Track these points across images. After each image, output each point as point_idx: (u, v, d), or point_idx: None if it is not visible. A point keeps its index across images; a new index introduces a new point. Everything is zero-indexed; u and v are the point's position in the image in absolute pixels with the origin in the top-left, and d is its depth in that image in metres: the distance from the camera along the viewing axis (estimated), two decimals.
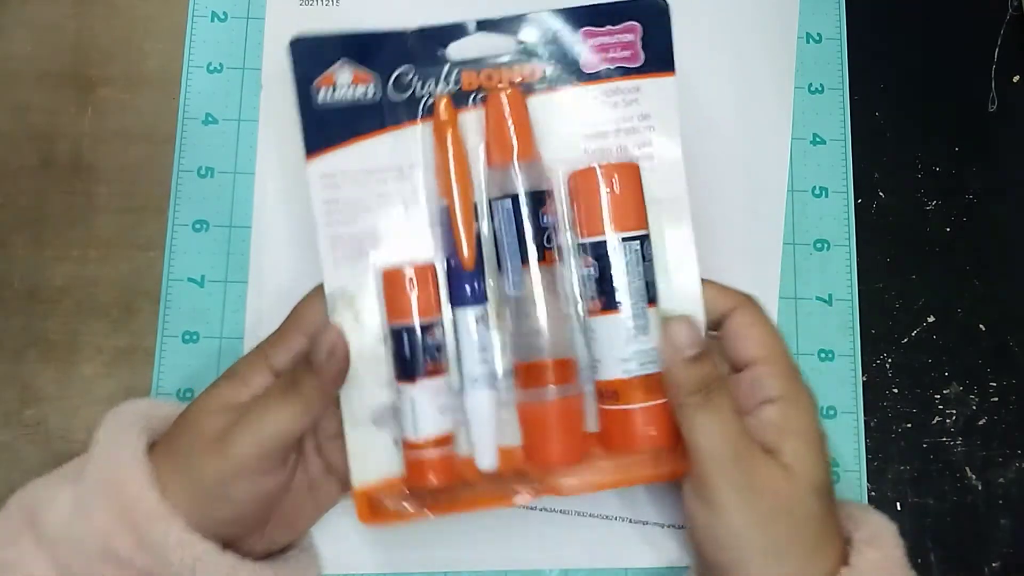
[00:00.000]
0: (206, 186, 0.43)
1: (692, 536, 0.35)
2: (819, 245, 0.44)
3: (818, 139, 0.45)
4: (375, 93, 0.35)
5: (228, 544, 0.34)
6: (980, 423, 0.44)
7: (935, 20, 0.47)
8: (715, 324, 0.36)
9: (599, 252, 0.34)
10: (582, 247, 0.35)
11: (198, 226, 0.43)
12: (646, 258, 0.34)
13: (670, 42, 0.35)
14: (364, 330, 0.35)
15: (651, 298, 0.35)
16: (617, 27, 0.35)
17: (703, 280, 0.36)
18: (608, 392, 0.35)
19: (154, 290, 0.42)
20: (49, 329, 0.42)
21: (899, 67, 0.47)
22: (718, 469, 0.33)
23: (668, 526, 0.41)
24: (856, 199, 0.45)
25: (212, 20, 0.45)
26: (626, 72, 0.35)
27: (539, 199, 0.34)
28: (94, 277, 0.42)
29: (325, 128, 0.34)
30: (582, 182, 0.35)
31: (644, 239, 0.35)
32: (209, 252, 0.42)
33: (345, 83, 0.34)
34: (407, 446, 0.34)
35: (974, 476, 0.43)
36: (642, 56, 0.35)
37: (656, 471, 0.35)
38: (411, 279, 0.34)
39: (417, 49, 0.35)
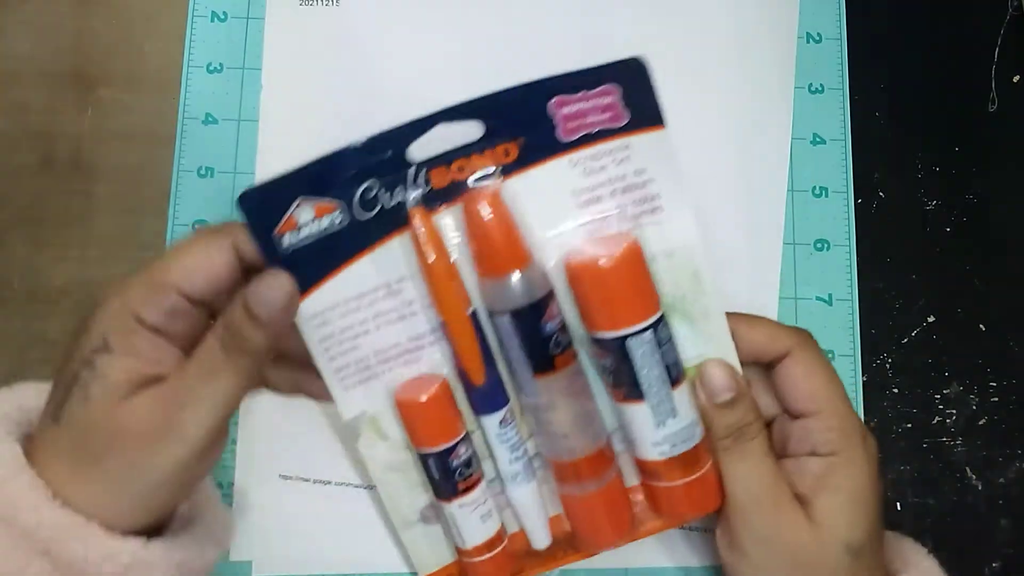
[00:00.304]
0: (206, 186, 0.43)
1: (724, 568, 0.36)
2: (819, 245, 0.44)
3: (818, 139, 0.45)
4: (343, 219, 0.31)
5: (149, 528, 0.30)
6: (980, 423, 0.44)
7: (935, 20, 0.47)
8: (769, 364, 0.35)
9: (611, 347, 0.32)
10: (594, 340, 0.33)
11: (198, 226, 0.42)
12: (662, 343, 0.33)
13: (655, 97, 0.33)
14: (392, 443, 0.35)
15: (674, 379, 0.33)
16: (593, 91, 0.32)
17: (757, 319, 0.35)
18: (648, 470, 0.34)
19: None
20: (49, 329, 0.42)
21: (899, 67, 0.47)
22: (739, 513, 0.33)
23: None
24: (856, 199, 0.45)
25: (212, 20, 0.45)
26: (610, 133, 0.33)
27: (540, 309, 0.32)
28: (94, 277, 0.42)
29: (300, 271, 0.31)
30: (583, 277, 0.32)
31: (657, 323, 0.33)
32: None
33: (308, 220, 0.31)
34: (459, 552, 0.35)
35: (974, 476, 0.43)
36: (626, 115, 0.33)
37: (698, 512, 0.35)
38: (427, 406, 0.33)
39: (374, 160, 0.31)
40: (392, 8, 0.45)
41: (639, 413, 0.33)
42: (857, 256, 0.44)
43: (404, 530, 0.36)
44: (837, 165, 0.45)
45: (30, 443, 0.30)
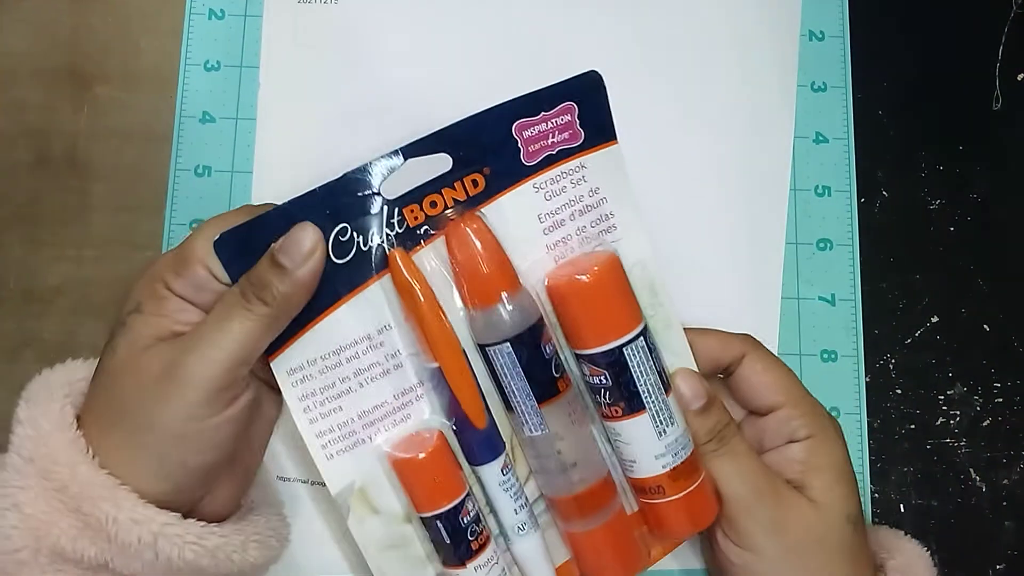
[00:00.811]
0: (203, 185, 0.43)
1: (724, 572, 0.36)
2: (822, 245, 0.44)
3: (821, 138, 0.45)
4: None
5: (187, 513, 0.30)
6: (984, 424, 0.43)
7: (939, 18, 0.47)
8: (724, 371, 0.37)
9: (607, 360, 0.32)
10: (585, 357, 0.33)
11: (195, 225, 0.42)
12: (652, 349, 0.33)
13: (608, 112, 0.34)
14: (386, 517, 0.32)
15: (666, 385, 0.34)
16: (552, 111, 0.33)
17: (705, 330, 0.36)
18: (651, 488, 0.34)
19: None
20: (44, 329, 0.41)
21: (902, 65, 0.46)
22: (744, 509, 0.34)
23: None
24: (859, 198, 0.45)
25: (209, 17, 0.44)
26: (568, 153, 0.33)
27: (537, 333, 0.32)
28: (90, 277, 0.42)
29: None
30: (569, 293, 0.32)
31: (644, 330, 0.33)
32: None
33: None
34: None
35: (978, 477, 0.43)
36: (582, 134, 0.33)
37: (700, 526, 0.35)
38: (427, 464, 0.31)
39: (345, 203, 0.31)
40: (390, 6, 0.45)
41: (641, 426, 0.33)
42: (860, 256, 0.44)
43: None
44: (840, 164, 0.45)
45: (81, 409, 0.31)
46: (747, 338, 0.37)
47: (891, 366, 0.44)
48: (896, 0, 0.47)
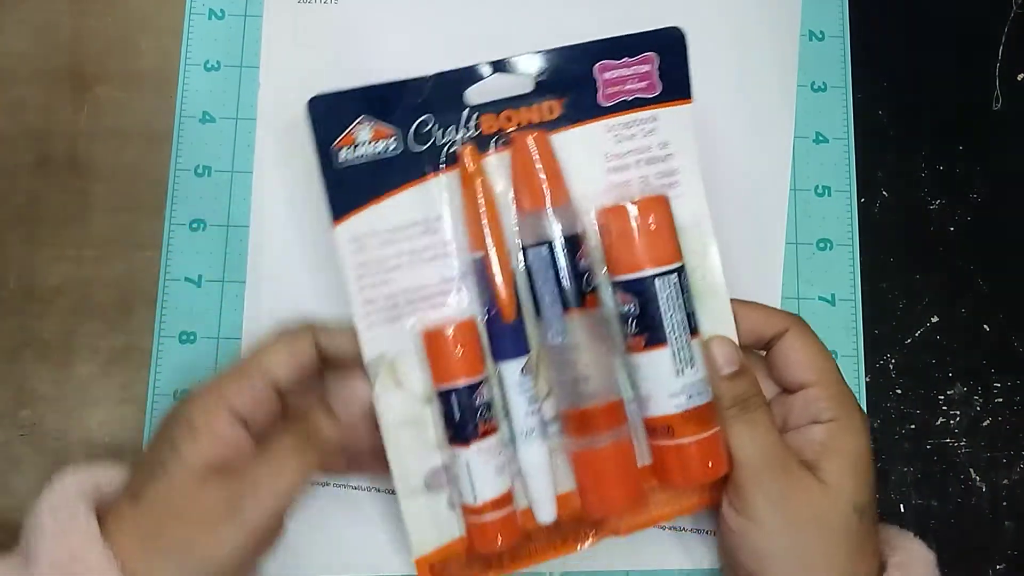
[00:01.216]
0: (203, 185, 0.43)
1: (727, 544, 0.36)
2: (822, 245, 0.44)
3: (821, 138, 0.45)
4: (396, 147, 0.34)
5: None
6: (984, 424, 0.44)
7: (939, 18, 0.47)
8: (764, 345, 0.37)
9: (638, 288, 0.34)
10: (619, 284, 0.34)
11: (195, 225, 0.42)
12: (684, 289, 0.34)
13: (687, 70, 0.36)
14: (407, 394, 0.34)
15: (693, 329, 0.34)
16: (634, 59, 0.35)
17: (752, 303, 0.37)
18: (661, 428, 0.34)
19: (151, 290, 0.42)
20: (45, 329, 0.41)
21: (902, 65, 0.46)
22: (752, 478, 0.34)
23: (671, 528, 0.41)
24: (859, 198, 0.45)
25: (209, 17, 0.44)
26: (643, 103, 0.35)
27: (575, 243, 0.34)
28: (90, 277, 0.42)
29: (349, 190, 0.33)
30: (614, 219, 0.34)
31: (680, 270, 0.34)
32: (206, 252, 0.42)
33: (366, 140, 0.33)
34: (466, 511, 0.34)
35: (978, 477, 0.43)
36: (659, 86, 0.35)
37: (709, 497, 0.36)
38: (454, 338, 0.33)
39: (435, 97, 0.34)
40: (390, 6, 0.45)
41: (660, 359, 0.34)
42: (860, 256, 0.44)
43: (407, 499, 0.34)
44: (840, 164, 0.45)
45: (106, 519, 0.31)
46: (793, 317, 0.37)
47: (891, 366, 0.44)
48: (896, 0, 0.47)
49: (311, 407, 0.33)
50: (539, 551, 0.35)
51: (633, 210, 0.34)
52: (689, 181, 0.36)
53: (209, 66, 0.44)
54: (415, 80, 0.34)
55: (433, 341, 0.33)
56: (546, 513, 0.35)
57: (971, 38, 0.47)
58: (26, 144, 0.43)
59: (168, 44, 0.44)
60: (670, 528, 0.41)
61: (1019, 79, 0.47)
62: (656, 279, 0.33)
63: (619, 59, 0.35)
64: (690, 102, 0.36)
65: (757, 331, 0.36)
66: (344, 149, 0.33)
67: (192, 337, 0.41)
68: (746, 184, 0.44)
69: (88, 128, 0.43)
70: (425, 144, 0.34)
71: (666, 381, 0.34)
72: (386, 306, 0.34)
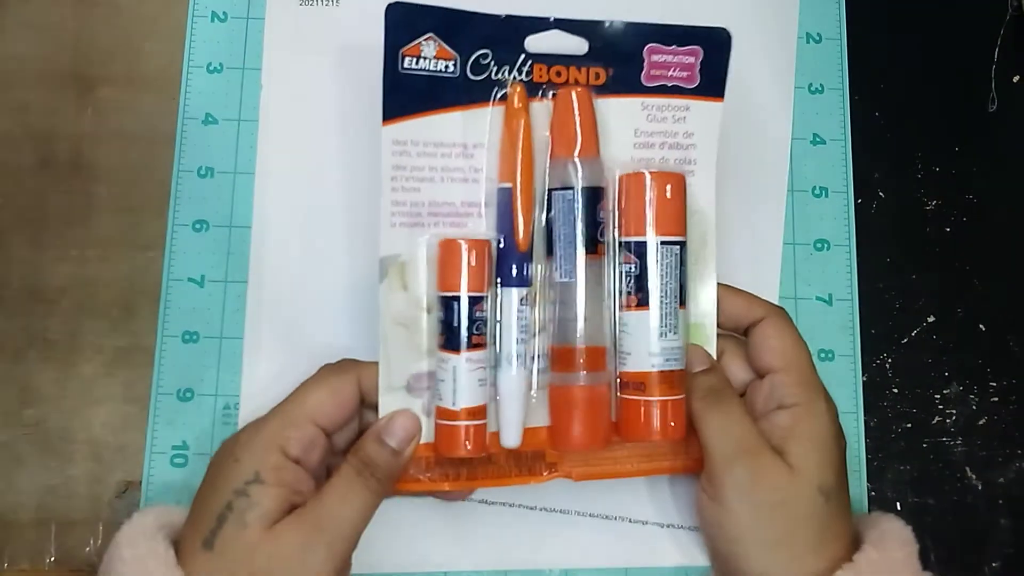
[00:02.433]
0: (206, 186, 0.43)
1: (705, 532, 0.37)
2: (819, 245, 0.44)
3: (818, 139, 0.45)
4: (455, 70, 0.36)
5: None
6: (980, 423, 0.44)
7: (935, 20, 0.47)
8: (744, 332, 0.38)
9: (641, 251, 0.36)
10: (626, 244, 0.36)
11: (198, 226, 0.43)
12: (682, 263, 0.36)
13: (726, 71, 0.38)
14: (409, 298, 0.36)
15: (682, 300, 0.36)
16: (682, 48, 0.37)
17: (734, 289, 0.38)
18: (634, 383, 0.36)
19: (154, 290, 0.42)
20: (49, 329, 0.42)
21: (899, 67, 0.47)
22: (724, 464, 0.35)
23: (667, 526, 0.41)
24: (856, 199, 0.45)
25: (212, 20, 0.45)
26: (680, 91, 0.38)
27: (596, 195, 0.36)
28: (94, 277, 0.42)
29: (403, 96, 0.35)
30: (633, 184, 0.36)
31: (682, 245, 0.36)
32: (209, 252, 0.42)
33: (430, 56, 0.35)
34: (442, 414, 0.35)
35: (974, 476, 0.43)
36: (698, 79, 0.38)
37: (668, 464, 0.38)
38: (468, 251, 0.35)
39: (499, 36, 0.36)
40: None
41: (648, 320, 0.36)
42: (857, 256, 0.44)
43: (387, 395, 0.35)
44: (837, 165, 0.45)
45: (182, 560, 0.32)
46: (775, 307, 0.38)
47: (888, 365, 0.44)
48: (893, 2, 0.47)
49: (364, 439, 0.35)
50: (497, 474, 0.37)
51: (651, 178, 0.36)
52: (703, 174, 0.38)
53: (212, 68, 0.44)
54: (486, 15, 0.36)
55: (448, 249, 0.35)
56: (511, 438, 0.36)
57: (967, 40, 0.47)
58: (30, 145, 0.43)
59: (171, 46, 0.44)
60: (667, 526, 0.41)
61: (1015, 81, 0.47)
62: (660, 246, 0.36)
63: (668, 46, 0.37)
64: (721, 101, 0.38)
65: (737, 316, 0.38)
66: (409, 58, 0.35)
67: (195, 337, 0.42)
68: (744, 185, 0.44)
69: (92, 130, 0.43)
70: (480, 76, 0.36)
71: (648, 341, 0.36)
72: (410, 212, 0.36)
